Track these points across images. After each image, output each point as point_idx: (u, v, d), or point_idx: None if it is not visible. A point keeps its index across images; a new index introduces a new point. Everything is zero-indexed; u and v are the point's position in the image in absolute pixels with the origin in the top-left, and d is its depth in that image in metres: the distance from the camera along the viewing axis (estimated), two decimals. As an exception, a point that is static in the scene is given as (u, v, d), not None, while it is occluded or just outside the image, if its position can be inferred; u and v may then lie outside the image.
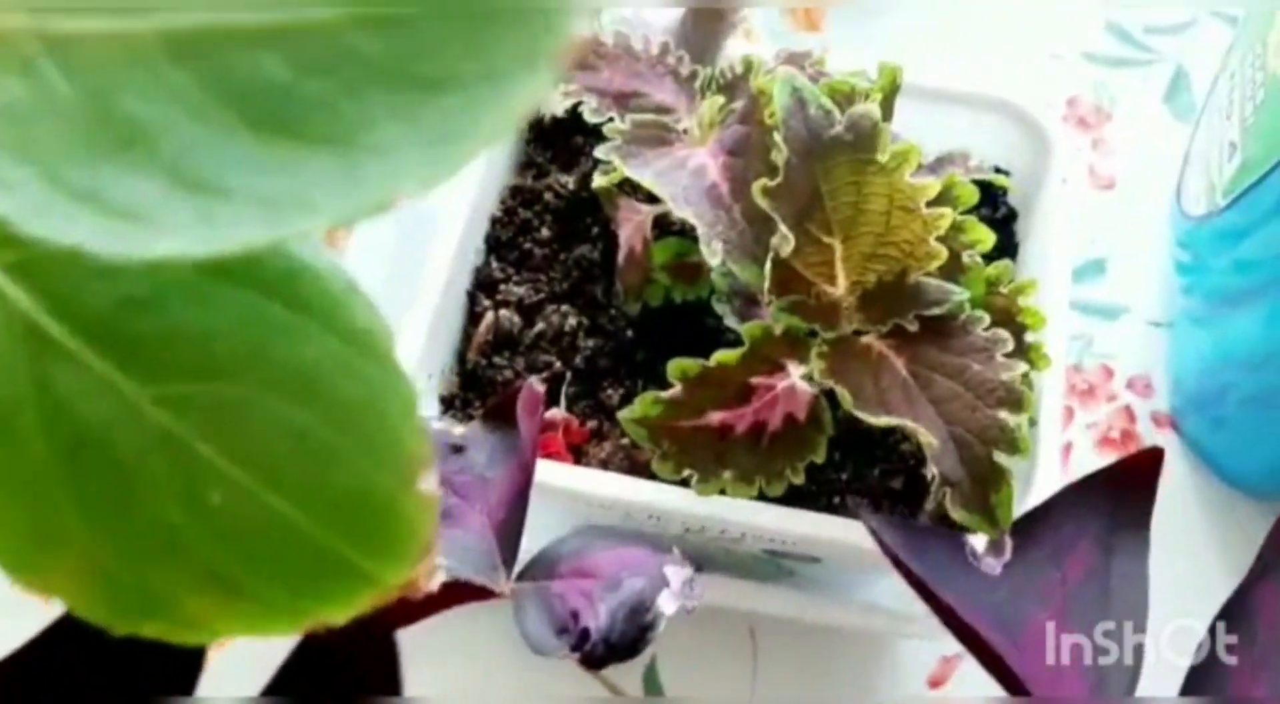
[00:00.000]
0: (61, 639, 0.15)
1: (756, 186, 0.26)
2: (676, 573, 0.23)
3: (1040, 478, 0.29)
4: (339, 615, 0.13)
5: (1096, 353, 0.50)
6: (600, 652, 0.21)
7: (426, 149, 0.11)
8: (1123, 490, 0.23)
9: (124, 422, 0.13)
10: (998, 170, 0.37)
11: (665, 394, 0.28)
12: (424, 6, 0.11)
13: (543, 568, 0.26)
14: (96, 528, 0.13)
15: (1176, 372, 0.48)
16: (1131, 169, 0.54)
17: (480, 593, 0.23)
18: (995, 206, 0.38)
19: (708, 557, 0.37)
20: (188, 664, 0.15)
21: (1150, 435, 0.49)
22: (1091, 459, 0.49)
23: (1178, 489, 0.47)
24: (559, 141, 0.38)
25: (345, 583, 0.13)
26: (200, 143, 0.11)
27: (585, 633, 0.21)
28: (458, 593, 0.23)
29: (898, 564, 0.22)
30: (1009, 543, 0.23)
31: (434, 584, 0.21)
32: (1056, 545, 0.23)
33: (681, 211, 0.28)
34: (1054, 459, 0.30)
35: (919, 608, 0.36)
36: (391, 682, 0.16)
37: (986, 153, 0.37)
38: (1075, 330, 0.51)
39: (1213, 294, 0.43)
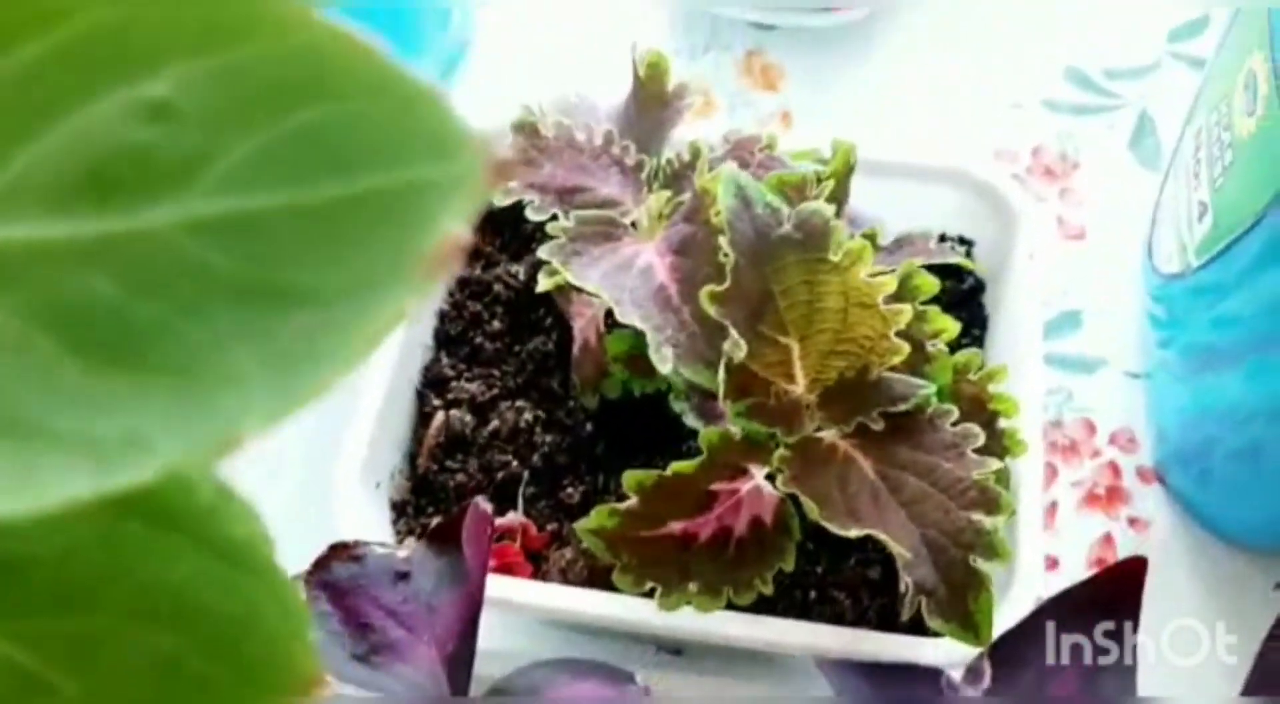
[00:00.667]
0: None
1: (704, 293, 0.25)
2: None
3: (1021, 577, 0.27)
4: None
5: (1077, 407, 0.49)
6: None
7: (281, 375, 0.10)
8: (1107, 605, 0.22)
9: (-30, 664, 0.12)
10: (963, 240, 0.36)
11: (622, 505, 0.27)
12: (273, 207, 0.10)
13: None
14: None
15: (1159, 424, 0.47)
16: (1101, 218, 0.53)
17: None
18: (962, 278, 0.37)
19: (685, 643, 0.35)
20: None
21: (1136, 490, 0.48)
22: (1077, 519, 0.47)
23: (1166, 543, 0.46)
24: (506, 229, 0.37)
25: None
26: (18, 379, 0.10)
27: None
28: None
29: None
30: (988, 669, 0.22)
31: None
32: (1039, 669, 0.21)
33: (628, 317, 0.26)
34: (1036, 554, 0.28)
35: None
36: None
37: (951, 223, 0.36)
38: (1054, 385, 0.49)
39: (1190, 350, 0.42)
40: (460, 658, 0.24)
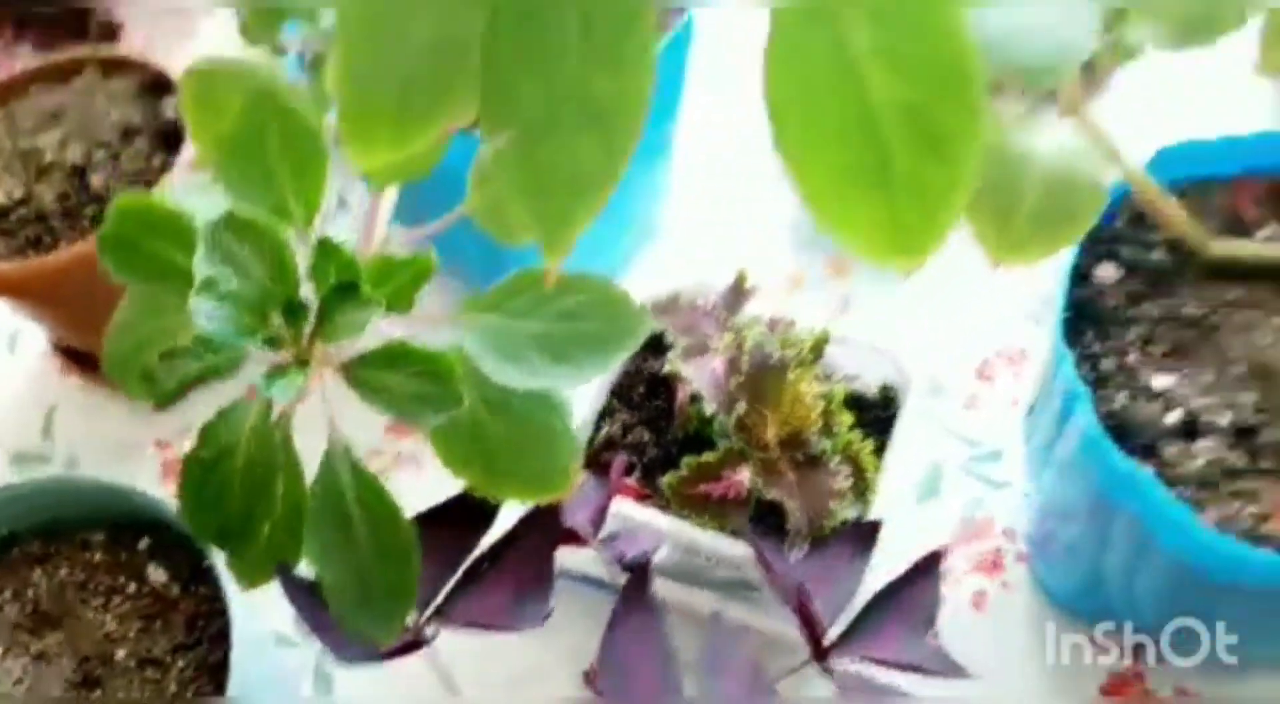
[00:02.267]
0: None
1: (732, 382, 0.58)
2: (660, 549, 0.54)
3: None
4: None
5: (985, 509, 0.78)
6: (630, 566, 0.52)
7: (577, 375, 0.43)
8: (858, 541, 0.53)
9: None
10: (885, 388, 0.68)
11: (681, 473, 0.60)
12: (569, 329, 0.43)
13: (609, 538, 0.57)
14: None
15: (1028, 526, 0.75)
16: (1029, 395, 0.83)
17: (582, 540, 0.55)
18: (888, 408, 0.68)
19: (701, 582, 0.67)
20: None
21: (1011, 566, 0.76)
22: (967, 578, 0.76)
23: (1021, 600, 0.74)
24: (651, 348, 0.71)
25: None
26: (525, 365, 0.43)
27: (622, 556, 0.52)
28: (573, 536, 0.54)
29: (755, 547, 0.52)
30: (806, 549, 0.53)
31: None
32: (831, 553, 0.52)
33: (702, 388, 0.60)
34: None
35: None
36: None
37: (884, 378, 0.68)
38: (974, 495, 0.79)
39: (1037, 472, 0.71)
40: (600, 520, 0.57)
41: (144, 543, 0.57)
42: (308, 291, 0.41)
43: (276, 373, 0.39)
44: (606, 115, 0.26)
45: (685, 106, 0.86)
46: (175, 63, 0.92)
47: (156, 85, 0.90)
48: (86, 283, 0.76)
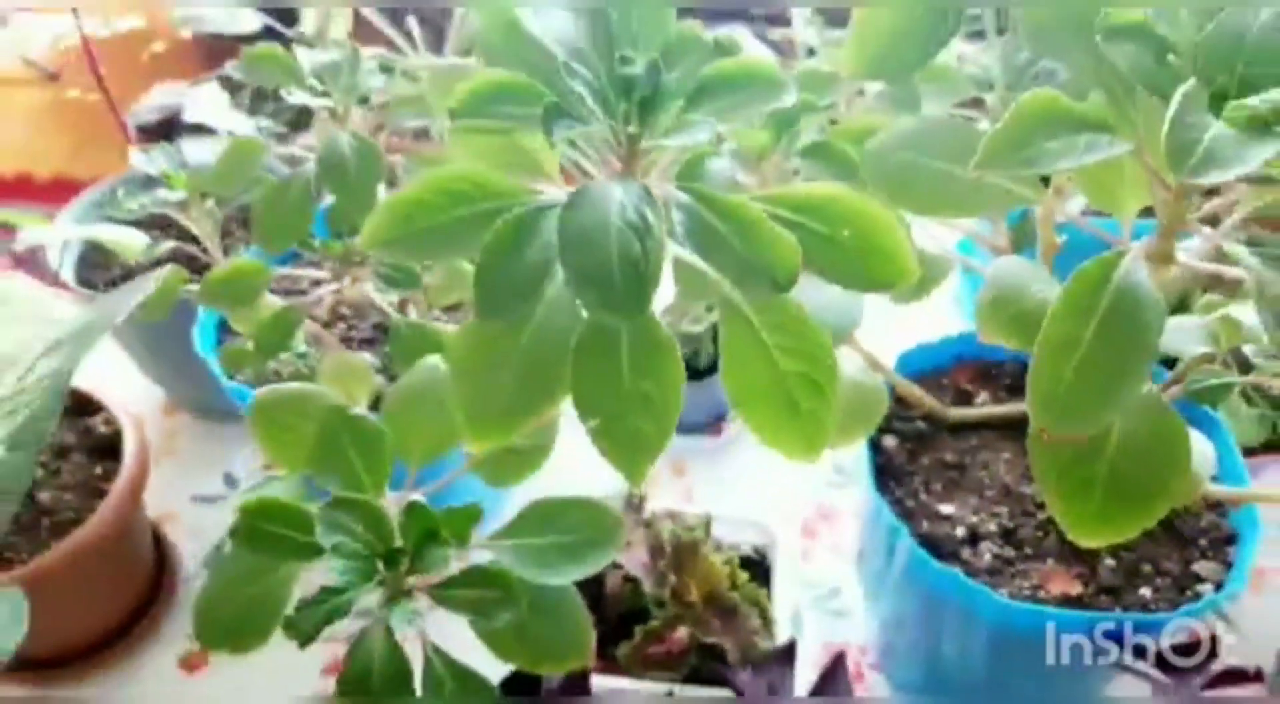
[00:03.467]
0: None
1: (660, 564, 0.78)
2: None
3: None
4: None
5: (840, 635, 1.00)
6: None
7: (597, 562, 0.61)
8: (784, 660, 0.73)
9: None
10: (756, 548, 0.90)
11: (632, 642, 0.78)
12: (553, 541, 0.62)
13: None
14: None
15: (876, 640, 0.98)
16: (852, 540, 1.07)
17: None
18: (762, 563, 0.90)
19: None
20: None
21: (869, 674, 0.97)
22: (842, 688, 0.96)
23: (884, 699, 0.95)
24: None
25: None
26: (551, 568, 0.61)
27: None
28: None
29: (731, 682, 0.71)
30: (751, 673, 0.72)
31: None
32: (768, 673, 0.71)
33: (636, 572, 0.79)
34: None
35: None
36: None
37: (754, 541, 0.90)
38: (826, 625, 1.01)
39: (875, 596, 0.94)
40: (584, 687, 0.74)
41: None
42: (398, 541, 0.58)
43: (393, 605, 0.56)
44: (653, 404, 0.47)
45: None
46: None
47: (79, 408, 1.01)
48: (55, 592, 0.86)
